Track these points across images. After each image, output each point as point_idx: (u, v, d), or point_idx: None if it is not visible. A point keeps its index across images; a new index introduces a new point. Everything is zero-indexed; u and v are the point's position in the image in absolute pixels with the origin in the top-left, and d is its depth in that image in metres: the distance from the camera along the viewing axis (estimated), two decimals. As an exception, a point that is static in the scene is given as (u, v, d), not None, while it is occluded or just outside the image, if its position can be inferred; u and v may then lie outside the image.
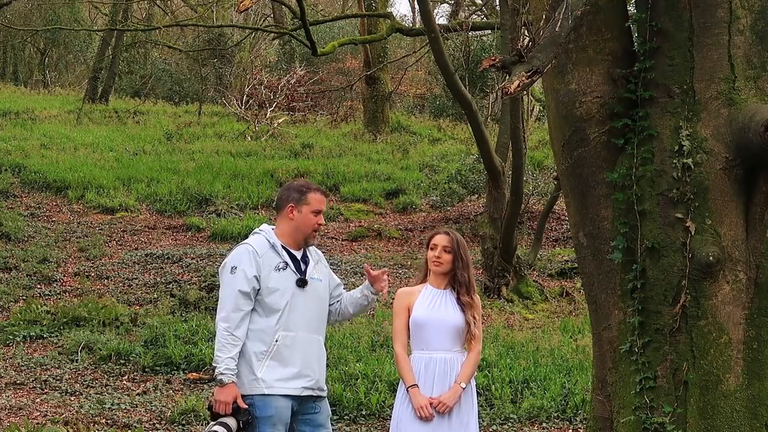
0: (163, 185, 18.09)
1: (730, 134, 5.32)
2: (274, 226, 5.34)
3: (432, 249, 5.59)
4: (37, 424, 7.88)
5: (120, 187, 18.09)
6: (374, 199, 18.54)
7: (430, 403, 5.41)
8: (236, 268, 5.06)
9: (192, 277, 13.08)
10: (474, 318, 5.54)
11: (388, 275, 5.43)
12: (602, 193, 5.65)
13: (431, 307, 5.51)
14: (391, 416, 5.73)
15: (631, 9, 5.98)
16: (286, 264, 5.15)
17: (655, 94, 5.50)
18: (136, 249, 14.70)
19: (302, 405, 5.16)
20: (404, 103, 33.35)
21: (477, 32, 25.50)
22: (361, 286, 5.47)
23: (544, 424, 8.49)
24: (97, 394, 8.89)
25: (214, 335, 5.08)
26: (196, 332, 10.46)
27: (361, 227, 16.73)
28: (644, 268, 5.46)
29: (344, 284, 5.64)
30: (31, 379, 9.22)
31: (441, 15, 33.94)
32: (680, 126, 5.42)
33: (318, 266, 5.32)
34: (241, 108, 26.17)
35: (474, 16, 30.76)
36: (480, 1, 31.08)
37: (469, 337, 5.54)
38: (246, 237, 5.53)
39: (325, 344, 5.36)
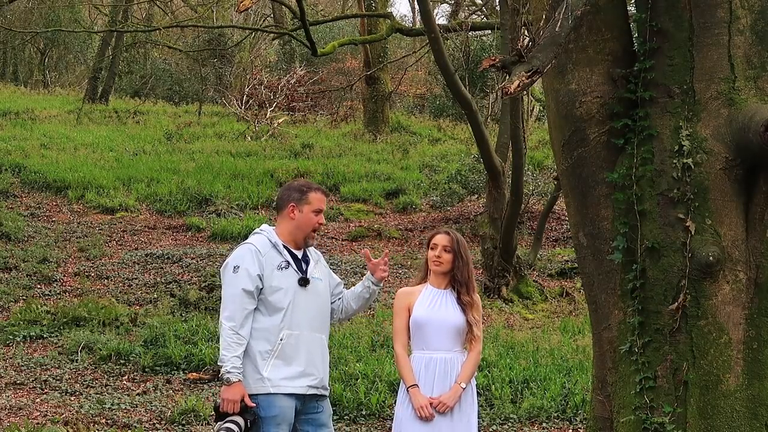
0: (163, 185, 18.10)
1: (730, 134, 5.32)
2: (274, 226, 5.35)
3: (432, 249, 5.59)
4: (37, 424, 7.88)
5: (120, 187, 18.09)
6: (374, 199, 18.54)
7: (430, 403, 5.42)
8: (239, 267, 5.07)
9: (192, 277, 13.08)
10: (474, 318, 5.54)
11: (387, 262, 5.43)
12: (602, 193, 5.65)
13: (431, 307, 5.51)
14: (391, 416, 5.73)
15: (631, 9, 5.97)
16: (288, 263, 5.16)
17: (655, 94, 5.50)
18: (136, 249, 14.70)
19: (305, 404, 5.17)
20: (404, 103, 33.35)
21: (477, 32, 25.52)
22: (363, 280, 5.48)
23: (544, 424, 8.49)
24: (97, 394, 8.89)
25: (214, 335, 5.10)
26: (196, 332, 10.46)
27: (361, 227, 16.73)
28: (644, 268, 5.46)
29: (344, 284, 5.64)
30: (31, 379, 9.22)
31: (441, 15, 33.96)
32: (680, 126, 5.42)
33: (318, 266, 5.33)
34: (241, 108, 26.18)
35: (474, 16, 30.78)
36: (480, 1, 31.08)
37: (469, 337, 5.55)
38: (246, 237, 5.53)
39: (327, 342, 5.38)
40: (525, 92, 15.77)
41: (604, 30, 5.64)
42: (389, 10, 25.94)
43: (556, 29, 5.18)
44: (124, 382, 9.36)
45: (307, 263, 5.26)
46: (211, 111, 29.42)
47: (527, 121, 17.70)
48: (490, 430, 8.35)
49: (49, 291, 12.50)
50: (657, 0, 5.53)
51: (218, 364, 5.06)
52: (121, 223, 16.30)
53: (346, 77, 29.58)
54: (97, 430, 7.89)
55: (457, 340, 5.53)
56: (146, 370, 9.64)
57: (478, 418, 5.74)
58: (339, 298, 5.45)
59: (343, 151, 22.65)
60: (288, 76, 26.86)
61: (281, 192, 5.43)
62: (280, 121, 25.61)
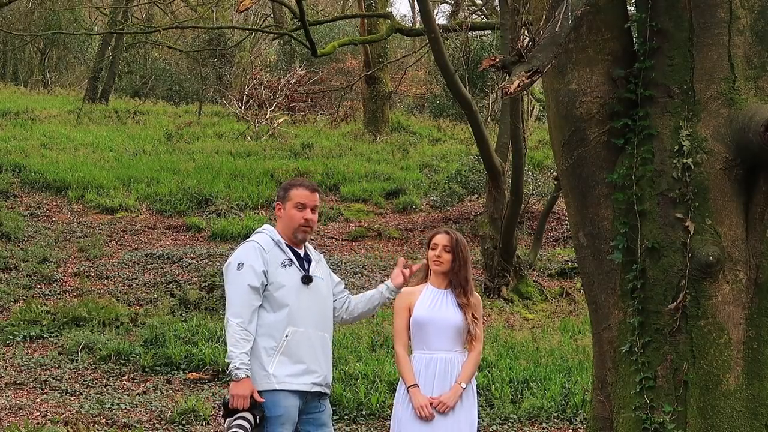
0: (163, 185, 18.10)
1: (730, 134, 5.32)
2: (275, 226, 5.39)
3: (432, 248, 5.60)
4: (37, 424, 7.88)
5: (120, 187, 18.09)
6: (374, 199, 18.54)
7: (431, 403, 5.42)
8: (243, 264, 5.07)
9: (192, 277, 13.07)
10: (475, 318, 5.55)
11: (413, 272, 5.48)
12: (602, 193, 5.65)
13: (432, 307, 5.51)
14: (390, 416, 5.73)
15: (631, 9, 5.98)
16: (291, 261, 5.17)
17: (655, 94, 5.50)
18: (136, 249, 14.70)
19: (307, 404, 5.17)
20: (404, 103, 33.35)
21: (477, 32, 25.52)
22: (379, 286, 5.49)
23: (544, 424, 8.49)
24: (97, 394, 8.89)
25: (214, 335, 5.09)
26: (196, 332, 10.46)
27: (361, 227, 16.73)
28: (644, 268, 5.46)
29: (344, 283, 5.64)
30: (31, 379, 9.22)
31: (441, 15, 33.97)
32: (680, 126, 5.42)
33: (319, 265, 5.34)
34: (241, 108, 26.18)
35: (474, 16, 30.79)
36: (480, 1, 31.09)
37: (469, 338, 5.55)
38: (246, 237, 5.55)
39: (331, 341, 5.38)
40: (525, 92, 15.77)
41: (604, 30, 5.64)
42: (389, 10, 25.95)
43: (556, 29, 5.19)
44: (124, 382, 9.36)
45: (309, 262, 5.27)
46: (211, 111, 29.42)
47: (527, 121, 17.70)
48: (490, 430, 8.35)
49: (49, 291, 12.50)
50: (657, 0, 5.53)
51: (226, 361, 5.05)
52: (121, 223, 16.30)
53: (346, 77, 29.59)
54: (97, 430, 7.89)
55: (457, 340, 5.53)
56: (146, 370, 9.63)
57: (478, 418, 5.74)
58: (339, 298, 5.45)
59: (343, 151, 22.65)
60: (288, 76, 26.86)
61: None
62: (280, 121, 25.61)
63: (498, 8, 19.92)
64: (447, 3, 34.10)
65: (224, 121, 27.11)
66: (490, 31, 25.08)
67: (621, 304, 5.59)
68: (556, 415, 8.64)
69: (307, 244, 5.36)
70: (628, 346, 5.51)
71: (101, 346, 10.10)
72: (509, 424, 8.48)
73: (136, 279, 13.06)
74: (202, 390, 9.12)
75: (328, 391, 5.29)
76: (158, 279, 13.05)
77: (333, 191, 18.98)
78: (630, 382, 5.50)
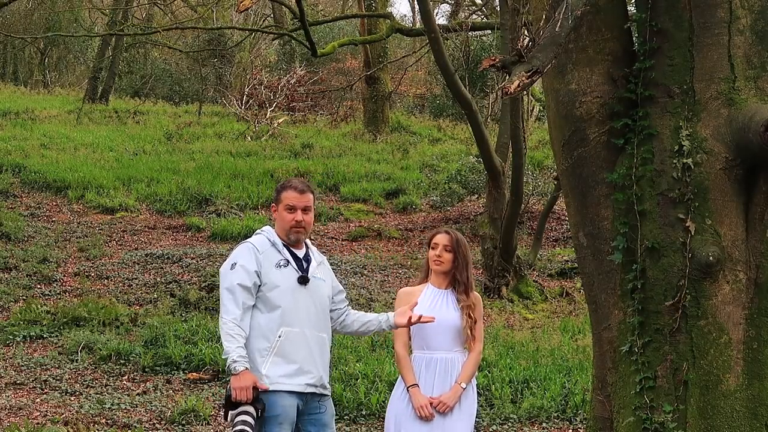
0: (163, 185, 18.09)
1: (730, 134, 5.32)
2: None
3: (433, 248, 5.60)
4: (37, 424, 7.88)
5: (120, 187, 18.09)
6: (374, 199, 18.54)
7: (431, 403, 5.42)
8: (236, 264, 5.11)
9: (192, 277, 13.07)
10: (475, 318, 5.54)
11: (419, 320, 5.39)
12: (602, 193, 5.65)
13: (432, 307, 5.51)
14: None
15: (631, 9, 5.98)
16: (288, 261, 5.18)
17: (655, 94, 5.50)
18: (136, 249, 14.70)
19: (307, 404, 5.16)
20: (404, 103, 33.34)
21: (477, 32, 25.52)
22: (380, 315, 5.45)
23: (544, 424, 8.49)
24: (97, 394, 8.89)
25: (214, 335, 5.09)
26: (196, 332, 10.46)
27: (361, 227, 16.73)
28: (644, 268, 5.46)
29: (344, 283, 5.64)
30: (31, 379, 9.22)
31: (441, 15, 33.97)
32: (680, 126, 5.42)
33: (321, 267, 5.33)
34: (241, 108, 26.18)
35: (474, 16, 30.79)
36: (480, 1, 31.08)
37: (470, 338, 5.54)
38: (246, 237, 5.56)
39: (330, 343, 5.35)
40: (525, 92, 15.77)
41: (604, 30, 5.64)
42: (389, 10, 25.95)
43: (556, 29, 5.19)
44: (124, 382, 9.36)
45: (309, 262, 5.27)
46: (211, 111, 29.41)
47: (527, 121, 17.69)
48: (490, 430, 8.35)
49: (49, 291, 12.50)
50: (657, 0, 5.53)
51: (223, 357, 5.05)
52: (121, 223, 16.29)
53: (346, 77, 29.58)
54: (97, 430, 7.89)
55: (457, 340, 5.53)
56: (146, 370, 9.63)
57: (478, 418, 5.75)
58: (338, 309, 5.42)
59: (343, 151, 22.65)
60: (288, 76, 26.86)
61: None
62: (280, 121, 25.61)
63: (498, 8, 19.92)
64: (447, 3, 34.11)
65: (224, 121, 27.11)
66: (490, 31, 25.08)
67: (621, 304, 5.59)
68: (556, 415, 8.64)
69: (310, 245, 5.36)
70: (628, 346, 5.51)
71: (101, 346, 10.10)
72: (509, 424, 8.48)
73: (136, 279, 13.06)
74: (202, 390, 9.12)
75: (325, 392, 5.24)
76: (158, 279, 13.05)
77: (333, 191, 18.98)
78: (630, 382, 5.50)
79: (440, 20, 26.64)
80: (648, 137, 5.49)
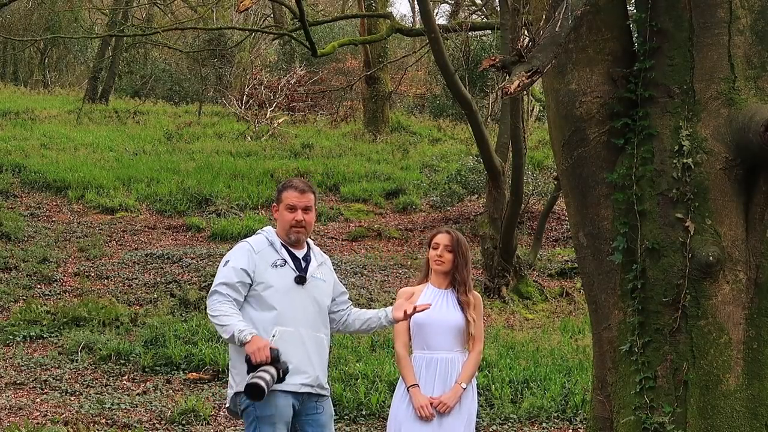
0: (163, 185, 18.09)
1: (730, 134, 5.32)
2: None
3: (434, 248, 5.60)
4: (37, 424, 7.88)
5: (120, 187, 18.09)
6: (374, 199, 18.54)
7: (431, 403, 5.42)
8: (228, 261, 5.13)
9: (192, 277, 13.07)
10: (475, 318, 5.54)
11: (418, 310, 5.37)
12: (602, 193, 5.65)
13: (433, 306, 5.51)
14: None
15: (631, 9, 5.98)
16: (285, 261, 5.17)
17: (655, 94, 5.50)
18: (136, 249, 14.70)
19: (304, 404, 5.13)
20: (404, 103, 33.35)
21: (477, 32, 25.50)
22: (379, 311, 5.44)
23: (544, 424, 8.49)
24: (97, 394, 8.89)
25: (214, 335, 5.07)
26: (196, 332, 10.46)
27: (361, 227, 16.73)
28: (644, 268, 5.46)
29: (344, 283, 5.62)
30: (31, 379, 9.22)
31: (441, 15, 33.99)
32: (680, 126, 5.42)
33: (321, 268, 5.30)
34: (241, 108, 26.18)
35: (474, 16, 30.80)
36: (480, 1, 31.09)
37: (470, 338, 5.54)
38: (246, 237, 5.55)
39: (329, 342, 5.33)
40: (525, 92, 15.77)
41: (604, 30, 5.64)
42: (389, 10, 25.94)
43: (556, 29, 5.19)
44: (124, 382, 9.36)
45: (308, 263, 5.25)
46: (211, 111, 29.42)
47: (527, 121, 17.69)
48: (490, 430, 8.35)
49: (49, 291, 12.50)
50: (657, 0, 5.54)
51: (225, 337, 4.98)
52: (121, 223, 16.29)
53: (346, 77, 29.58)
54: (97, 430, 7.89)
55: (457, 340, 5.53)
56: (146, 370, 9.63)
57: (478, 418, 5.74)
58: (340, 310, 5.41)
59: (343, 151, 22.65)
60: (288, 76, 26.86)
61: None
62: (280, 121, 25.62)
63: (498, 8, 19.92)
64: (447, 3, 34.12)
65: (224, 121, 27.12)
66: (490, 31, 25.07)
67: (621, 304, 5.59)
68: (556, 415, 8.64)
69: (313, 245, 5.34)
70: (628, 346, 5.51)
71: (101, 346, 10.10)
72: (509, 424, 8.48)
73: (136, 279, 13.06)
74: (202, 390, 9.12)
75: (322, 392, 5.20)
76: (158, 279, 13.05)
77: (333, 191, 18.97)
78: (630, 382, 5.50)
79: (440, 20, 26.66)
80: (648, 137, 5.49)
